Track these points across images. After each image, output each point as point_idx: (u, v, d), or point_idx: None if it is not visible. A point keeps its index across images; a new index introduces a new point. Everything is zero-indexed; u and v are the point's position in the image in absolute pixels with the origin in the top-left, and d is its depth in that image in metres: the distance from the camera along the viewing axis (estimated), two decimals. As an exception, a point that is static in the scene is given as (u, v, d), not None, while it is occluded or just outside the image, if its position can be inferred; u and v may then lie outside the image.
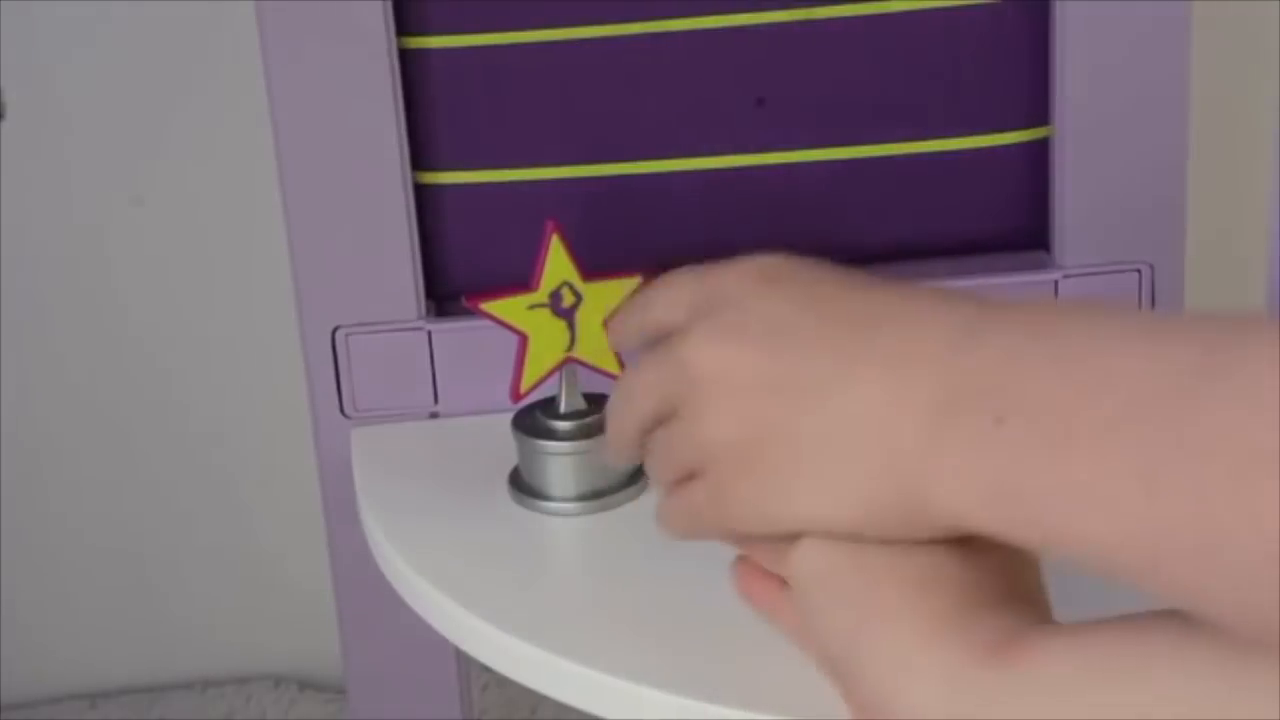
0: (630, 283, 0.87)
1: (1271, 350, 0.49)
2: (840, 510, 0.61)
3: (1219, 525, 0.48)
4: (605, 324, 0.84)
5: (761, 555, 0.68)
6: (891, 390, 0.59)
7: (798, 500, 0.62)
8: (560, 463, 0.86)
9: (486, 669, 0.81)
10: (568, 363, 0.86)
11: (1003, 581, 0.61)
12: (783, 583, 0.66)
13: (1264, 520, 0.47)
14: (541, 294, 0.85)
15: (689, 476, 0.66)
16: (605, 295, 0.86)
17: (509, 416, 0.87)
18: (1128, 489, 0.50)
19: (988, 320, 0.58)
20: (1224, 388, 0.49)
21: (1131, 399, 0.51)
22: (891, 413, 0.59)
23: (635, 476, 0.87)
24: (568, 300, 0.86)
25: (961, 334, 0.58)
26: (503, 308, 0.85)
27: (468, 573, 0.82)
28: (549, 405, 0.87)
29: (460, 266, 0.96)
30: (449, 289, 0.96)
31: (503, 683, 1.33)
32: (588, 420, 0.86)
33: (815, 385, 0.61)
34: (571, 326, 0.86)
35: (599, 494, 0.86)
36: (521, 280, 0.86)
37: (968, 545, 0.61)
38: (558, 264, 0.85)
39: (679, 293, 0.69)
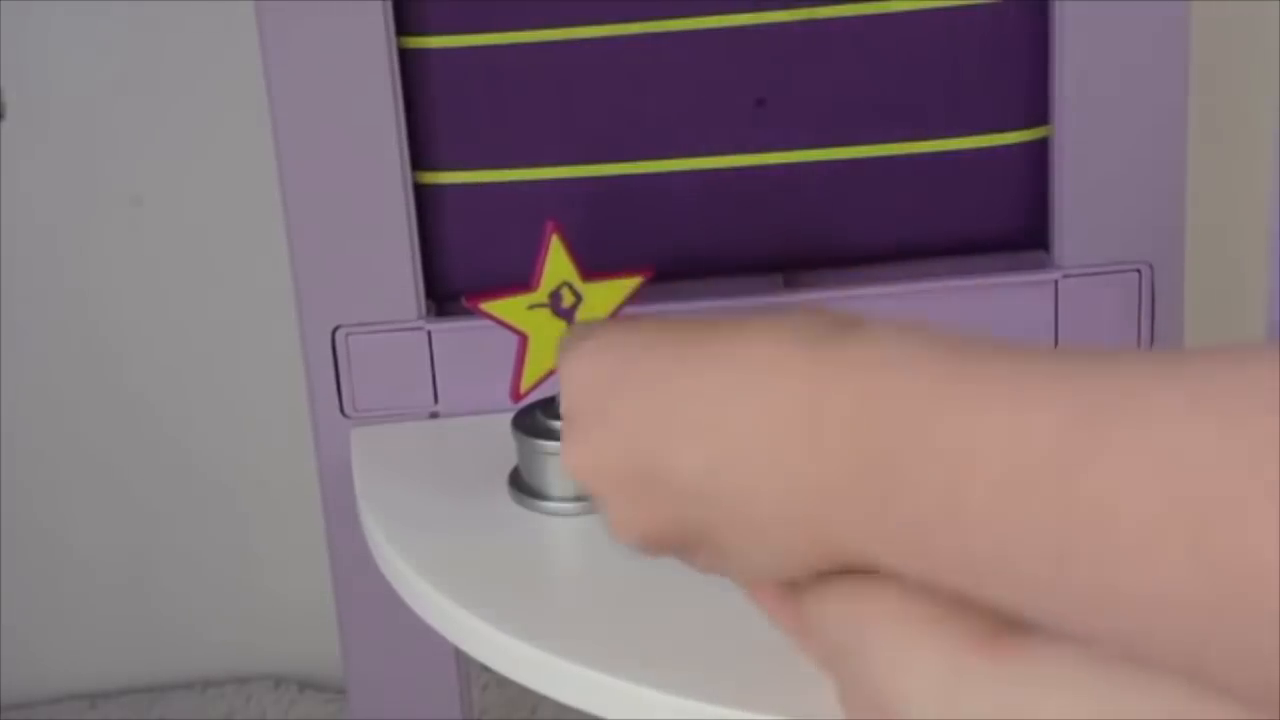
0: (630, 283, 0.87)
1: (1149, 417, 0.47)
2: (775, 561, 0.61)
3: (1125, 591, 0.47)
4: None
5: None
6: (771, 465, 0.58)
7: (738, 563, 0.62)
8: (560, 463, 0.86)
9: (486, 669, 0.81)
10: (568, 363, 0.86)
11: None
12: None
13: (1167, 586, 0.46)
14: (541, 294, 0.85)
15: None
16: (605, 295, 0.86)
17: (509, 416, 0.87)
18: (1034, 558, 0.49)
19: (849, 336, 0.57)
20: (1109, 457, 0.47)
21: (1012, 468, 0.50)
22: (778, 484, 0.58)
23: (635, 476, 0.87)
24: (567, 300, 0.86)
25: (807, 396, 0.57)
26: (502, 308, 0.85)
27: (468, 573, 0.82)
28: (549, 405, 0.87)
29: (460, 266, 0.96)
30: (449, 289, 0.96)
31: (503, 683, 1.33)
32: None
33: (700, 468, 0.60)
34: (571, 326, 0.86)
35: (599, 494, 0.86)
36: (521, 280, 0.85)
37: None
38: (557, 264, 0.85)
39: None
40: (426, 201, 0.94)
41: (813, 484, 0.56)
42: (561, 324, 0.86)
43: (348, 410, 0.95)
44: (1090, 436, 0.48)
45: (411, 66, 0.92)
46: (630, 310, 0.87)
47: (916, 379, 0.53)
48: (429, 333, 0.94)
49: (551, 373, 0.86)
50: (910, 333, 0.55)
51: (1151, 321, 0.95)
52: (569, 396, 0.66)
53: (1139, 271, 0.95)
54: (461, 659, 0.99)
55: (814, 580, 0.62)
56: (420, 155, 0.94)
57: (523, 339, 0.85)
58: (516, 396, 0.86)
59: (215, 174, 1.32)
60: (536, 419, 0.87)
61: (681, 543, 0.64)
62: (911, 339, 0.55)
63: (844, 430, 0.55)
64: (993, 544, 0.50)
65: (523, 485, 0.87)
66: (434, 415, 0.95)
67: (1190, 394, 0.47)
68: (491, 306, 0.85)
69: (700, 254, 0.96)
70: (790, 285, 0.96)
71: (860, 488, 0.55)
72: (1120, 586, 0.47)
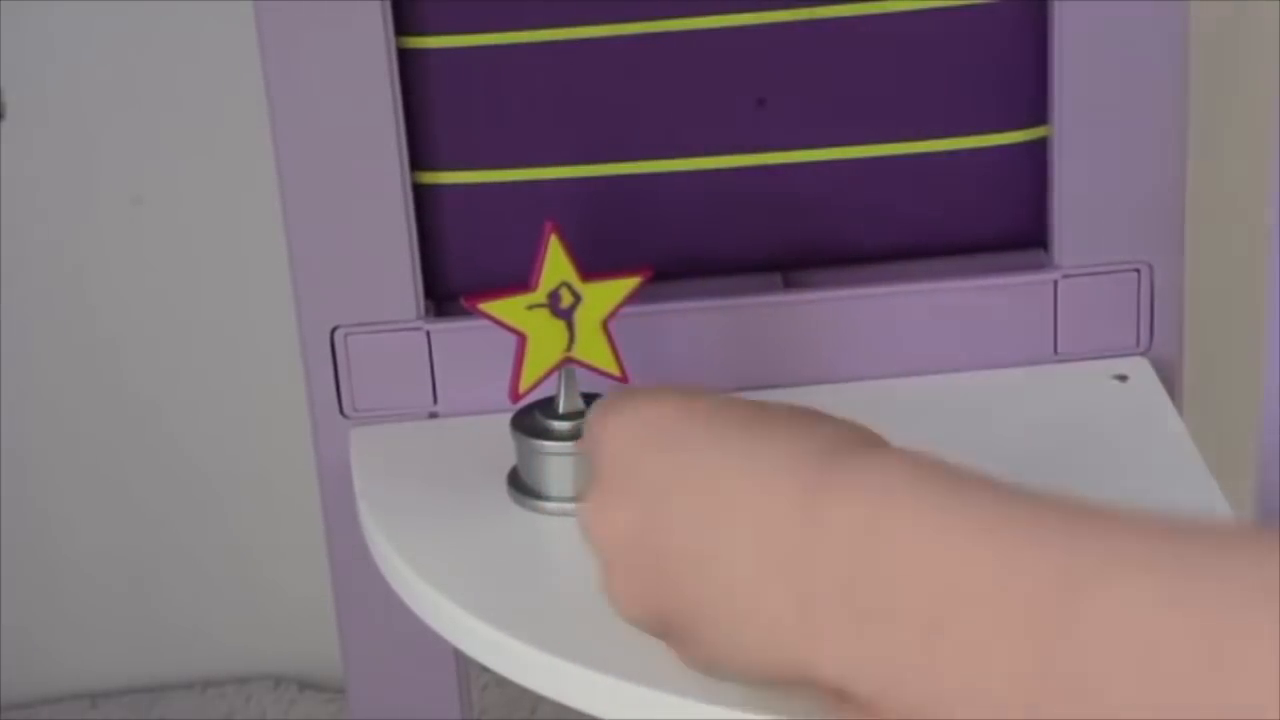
0: (629, 283, 0.87)
1: (1127, 597, 0.47)
2: (754, 671, 0.63)
3: None
4: None
5: None
6: (757, 576, 0.60)
7: (724, 661, 0.64)
8: (559, 463, 0.86)
9: (486, 669, 0.81)
10: (566, 363, 0.86)
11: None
12: None
13: None
14: (540, 294, 0.85)
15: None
16: (604, 295, 0.86)
17: (508, 416, 0.87)
18: (1003, 709, 0.50)
19: (829, 495, 0.58)
20: (1081, 632, 0.48)
21: (991, 623, 0.50)
22: (760, 598, 0.59)
23: (635, 476, 0.87)
24: (566, 300, 0.86)
25: (807, 511, 0.58)
26: (502, 308, 0.85)
27: (467, 573, 0.82)
28: (548, 405, 0.87)
29: (459, 266, 0.96)
30: (448, 289, 0.96)
31: (503, 683, 1.33)
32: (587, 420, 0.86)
33: (694, 565, 0.63)
34: (570, 327, 0.86)
35: (598, 494, 0.86)
36: (521, 280, 0.86)
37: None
38: (556, 264, 0.85)
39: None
40: (426, 201, 0.94)
41: (797, 588, 0.58)
42: (561, 324, 0.86)
43: (347, 410, 0.95)
44: (1067, 603, 0.48)
45: (411, 66, 0.92)
46: (633, 312, 0.87)
47: (917, 513, 0.54)
48: (428, 333, 0.94)
49: (551, 372, 0.86)
50: (920, 467, 0.57)
51: (1151, 321, 0.95)
52: (600, 459, 0.68)
53: (1139, 271, 0.95)
54: (461, 659, 0.99)
55: None
56: (420, 155, 0.94)
57: (522, 339, 0.85)
58: (515, 396, 0.86)
59: (215, 174, 1.32)
60: (536, 419, 0.87)
61: (667, 626, 0.65)
62: (918, 473, 0.56)
63: (837, 541, 0.56)
64: (962, 684, 0.51)
65: (522, 485, 0.87)
66: (433, 415, 0.95)
67: (1172, 577, 0.47)
68: (490, 306, 0.85)
69: (700, 254, 0.96)
70: (790, 285, 0.96)
71: (843, 600, 0.55)
72: None
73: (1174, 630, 0.46)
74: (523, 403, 0.87)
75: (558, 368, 0.86)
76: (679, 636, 0.66)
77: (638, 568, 0.65)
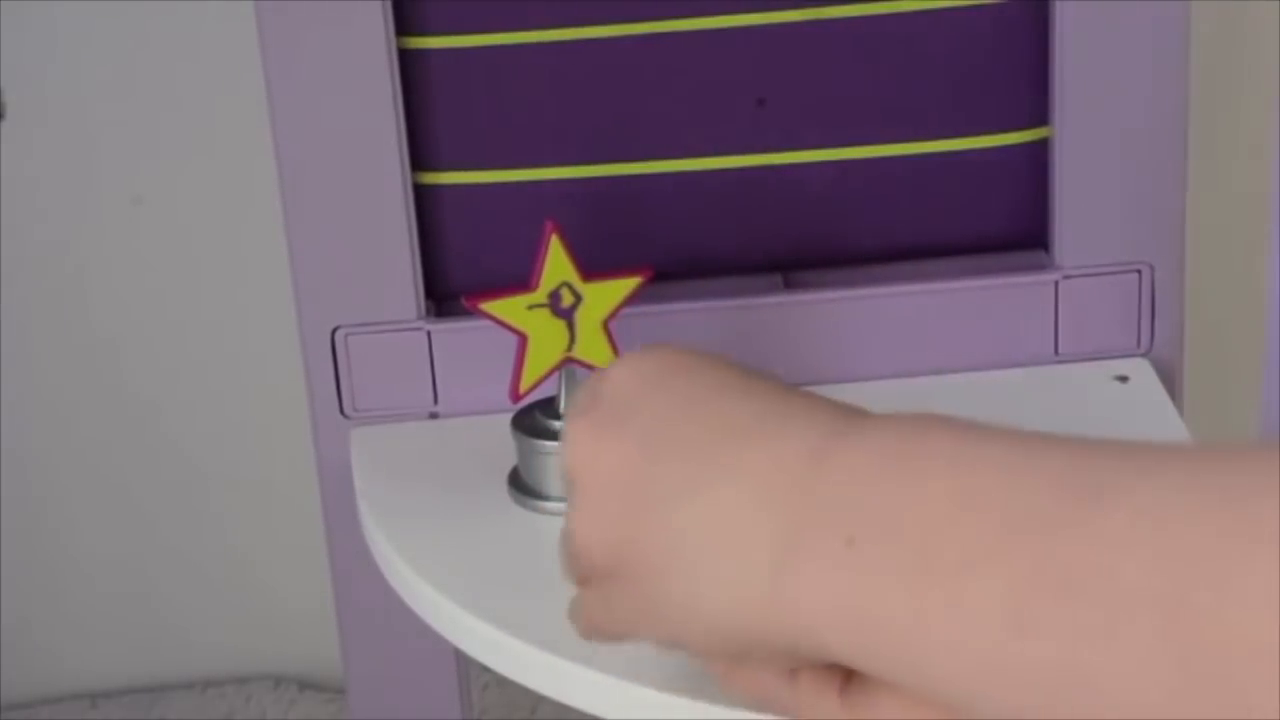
0: (630, 283, 0.87)
1: (1147, 492, 0.46)
2: (705, 623, 0.58)
3: (1089, 670, 0.46)
4: None
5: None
6: (749, 504, 0.57)
7: (670, 613, 0.60)
8: (560, 463, 0.86)
9: (486, 669, 0.81)
10: (567, 363, 0.86)
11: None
12: None
13: (1135, 666, 0.45)
14: (541, 294, 0.85)
15: (584, 580, 0.65)
16: (604, 295, 0.86)
17: (509, 416, 0.87)
18: (990, 626, 0.48)
19: (849, 436, 0.56)
20: (1095, 525, 0.47)
21: (992, 528, 0.49)
22: (747, 527, 0.56)
23: (635, 477, 0.87)
24: (567, 300, 0.86)
25: (819, 451, 0.56)
26: (502, 308, 0.85)
27: (468, 573, 0.82)
28: (548, 405, 0.87)
29: (460, 266, 0.96)
30: (449, 289, 0.96)
31: (503, 683, 1.33)
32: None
33: (680, 492, 0.59)
34: (571, 326, 0.86)
35: (599, 494, 0.86)
36: (521, 280, 0.86)
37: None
38: (557, 264, 0.85)
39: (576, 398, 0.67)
40: (426, 201, 0.94)
41: (788, 515, 0.55)
42: (561, 324, 0.86)
43: (347, 410, 0.95)
44: (1091, 496, 0.47)
45: (411, 66, 0.92)
46: (634, 312, 0.87)
47: (926, 436, 0.53)
48: (429, 333, 0.94)
49: (551, 372, 0.86)
50: (946, 419, 0.54)
51: (1152, 321, 0.95)
52: (598, 395, 0.65)
53: (1139, 271, 0.95)
54: (461, 659, 0.99)
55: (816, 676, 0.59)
56: (420, 155, 0.94)
57: (522, 339, 0.85)
58: (516, 396, 0.86)
59: (215, 174, 1.32)
60: (536, 419, 0.87)
61: (620, 561, 0.61)
62: (946, 420, 0.54)
63: (843, 474, 0.54)
64: (948, 607, 0.49)
65: (522, 485, 0.87)
66: (434, 415, 0.95)
67: (1183, 482, 0.46)
68: (491, 306, 0.85)
69: (700, 254, 0.96)
70: (790, 285, 0.96)
71: (835, 525, 0.53)
72: (1085, 660, 0.46)
73: (1186, 528, 0.45)
74: (523, 403, 0.87)
75: (558, 368, 0.86)
76: (629, 576, 0.61)
77: (613, 494, 0.61)
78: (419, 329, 0.94)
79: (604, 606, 0.64)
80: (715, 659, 0.62)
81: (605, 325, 0.86)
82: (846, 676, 0.57)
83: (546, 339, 0.86)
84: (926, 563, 0.50)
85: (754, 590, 0.56)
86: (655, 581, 0.60)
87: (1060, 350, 0.95)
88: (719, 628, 0.58)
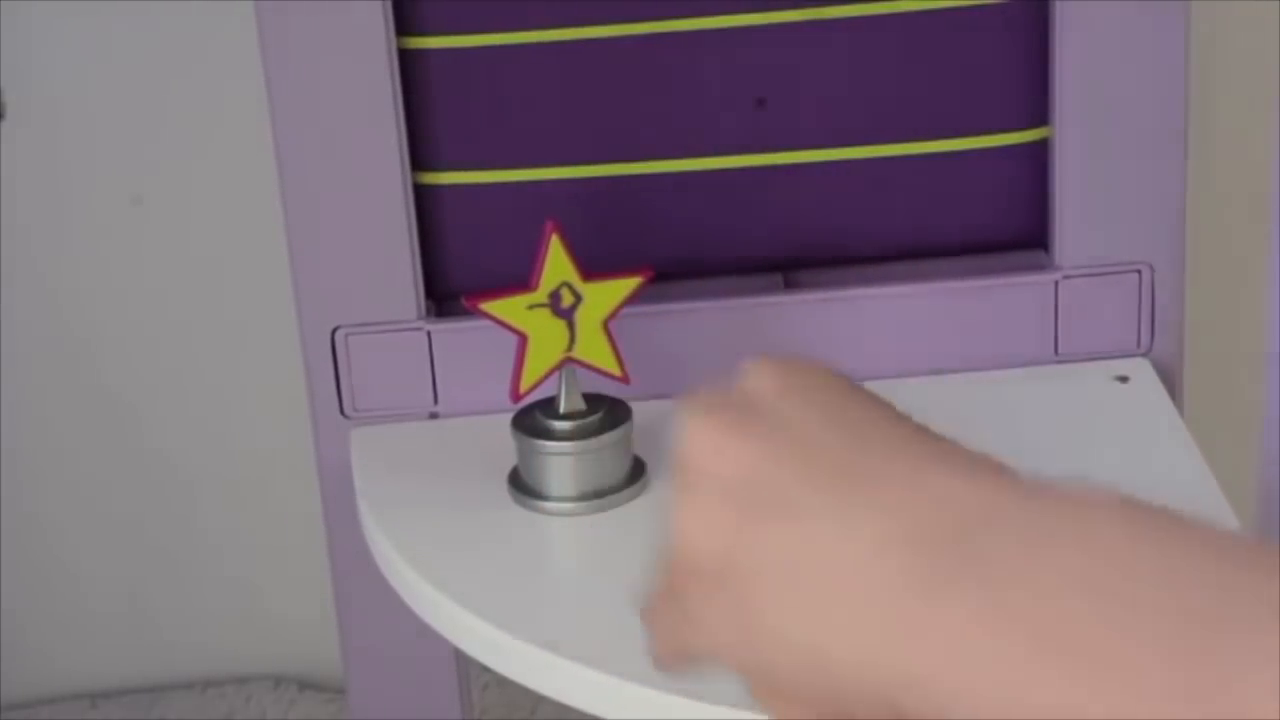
0: (630, 283, 0.87)
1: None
2: (802, 656, 0.54)
3: None
4: None
5: None
6: (895, 540, 0.52)
7: (764, 638, 0.55)
8: (560, 463, 0.86)
9: (486, 669, 0.81)
10: (567, 363, 0.86)
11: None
12: None
13: None
14: (541, 294, 0.85)
15: (679, 585, 0.58)
16: (605, 295, 0.86)
17: (509, 416, 0.87)
18: None
19: (1019, 496, 0.52)
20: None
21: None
22: (884, 563, 0.52)
23: (635, 476, 0.87)
24: (567, 300, 0.86)
25: (988, 505, 0.52)
26: (502, 308, 0.85)
27: (468, 573, 0.82)
28: (549, 405, 0.87)
29: (460, 266, 0.96)
30: (449, 289, 0.96)
31: (503, 683, 1.33)
32: (587, 420, 0.86)
33: (811, 509, 0.54)
34: (571, 326, 0.86)
35: (598, 494, 0.86)
36: (521, 280, 0.86)
37: None
38: (557, 264, 0.85)
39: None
40: (426, 201, 0.94)
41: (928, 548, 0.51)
42: (561, 324, 0.86)
43: (347, 410, 0.95)
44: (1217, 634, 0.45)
45: (411, 66, 0.92)
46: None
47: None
48: (429, 333, 0.94)
49: (551, 372, 0.86)
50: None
51: (1152, 321, 0.95)
52: (690, 464, 0.57)
53: (1139, 272, 0.95)
54: (461, 659, 0.99)
55: None
56: (420, 155, 0.94)
57: (522, 339, 0.85)
58: (516, 396, 0.86)
59: (215, 174, 1.32)
60: (536, 419, 0.87)
61: (729, 566, 0.56)
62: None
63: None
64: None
65: (522, 485, 0.87)
66: (434, 415, 0.95)
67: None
68: (491, 306, 0.85)
69: (700, 254, 0.96)
70: (790, 285, 0.96)
71: (982, 562, 0.50)
72: None
73: None
74: (523, 403, 0.87)
75: (558, 368, 0.86)
76: (730, 586, 0.56)
77: (732, 498, 0.56)
78: (419, 329, 0.94)
79: (687, 618, 0.58)
80: (791, 704, 0.59)
81: (605, 325, 0.86)
82: None
83: (546, 339, 0.86)
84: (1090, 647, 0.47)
85: (873, 626, 0.52)
86: (759, 597, 0.55)
87: (1060, 350, 0.95)
88: (815, 664, 0.54)
